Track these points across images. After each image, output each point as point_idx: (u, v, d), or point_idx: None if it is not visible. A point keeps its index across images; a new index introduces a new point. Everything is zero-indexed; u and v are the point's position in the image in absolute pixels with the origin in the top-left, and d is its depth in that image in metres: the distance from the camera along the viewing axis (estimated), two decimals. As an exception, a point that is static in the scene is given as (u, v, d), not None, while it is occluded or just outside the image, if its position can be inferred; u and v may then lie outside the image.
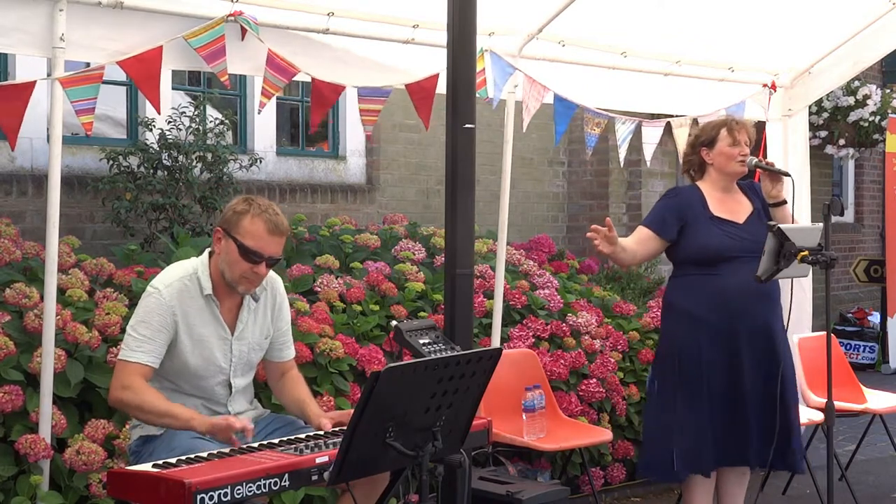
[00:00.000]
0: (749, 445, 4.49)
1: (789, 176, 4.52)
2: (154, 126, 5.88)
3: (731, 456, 4.53)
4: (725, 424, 4.49)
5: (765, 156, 6.39)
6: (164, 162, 5.89)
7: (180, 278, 3.56)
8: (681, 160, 5.94)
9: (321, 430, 3.53)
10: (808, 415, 5.67)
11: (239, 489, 2.86)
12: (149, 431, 3.52)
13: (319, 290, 5.26)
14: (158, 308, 3.48)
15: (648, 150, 5.93)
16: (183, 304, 3.52)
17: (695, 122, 5.89)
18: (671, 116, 6.02)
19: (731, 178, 4.61)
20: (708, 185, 4.64)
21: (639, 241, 4.59)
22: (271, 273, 3.78)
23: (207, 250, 3.65)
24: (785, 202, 4.55)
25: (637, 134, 5.86)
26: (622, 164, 6.11)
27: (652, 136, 5.88)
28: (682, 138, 5.89)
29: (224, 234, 3.54)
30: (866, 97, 10.61)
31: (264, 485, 2.92)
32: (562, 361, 5.71)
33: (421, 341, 3.65)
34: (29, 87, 3.86)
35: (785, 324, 4.61)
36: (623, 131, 5.71)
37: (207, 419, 3.37)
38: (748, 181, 4.78)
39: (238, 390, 3.69)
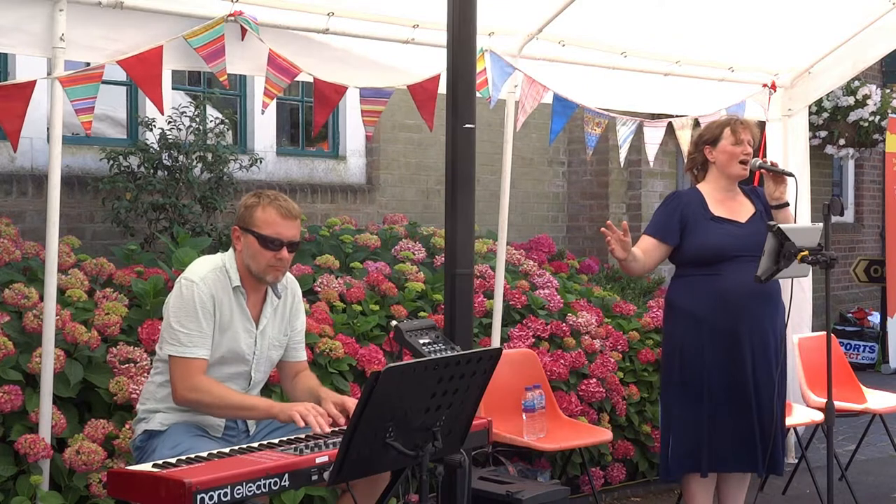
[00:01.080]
0: (747, 447, 4.49)
1: (793, 176, 4.51)
2: (154, 126, 5.88)
3: (729, 460, 4.53)
4: (725, 425, 4.49)
5: (765, 156, 6.40)
6: (165, 162, 5.89)
7: (212, 269, 3.62)
8: (685, 158, 5.97)
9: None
10: (808, 415, 5.68)
11: (239, 489, 2.86)
12: (153, 426, 3.55)
13: (319, 290, 5.26)
14: (200, 300, 3.53)
15: (651, 151, 5.93)
16: (218, 294, 3.58)
17: (696, 122, 5.90)
18: (672, 116, 6.02)
19: (732, 180, 4.61)
20: (710, 185, 4.64)
21: (645, 251, 4.59)
22: (290, 275, 3.86)
23: (231, 248, 3.70)
24: (787, 204, 4.55)
25: (638, 134, 5.87)
26: (622, 165, 6.11)
27: (654, 136, 5.88)
28: (684, 139, 5.89)
29: (241, 230, 3.62)
30: (866, 97, 10.61)
31: (264, 485, 2.92)
32: (562, 361, 5.71)
33: (421, 341, 3.65)
34: (29, 86, 3.86)
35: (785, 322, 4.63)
36: (624, 132, 5.71)
37: (287, 406, 3.45)
38: (750, 186, 4.79)
39: (255, 384, 3.74)
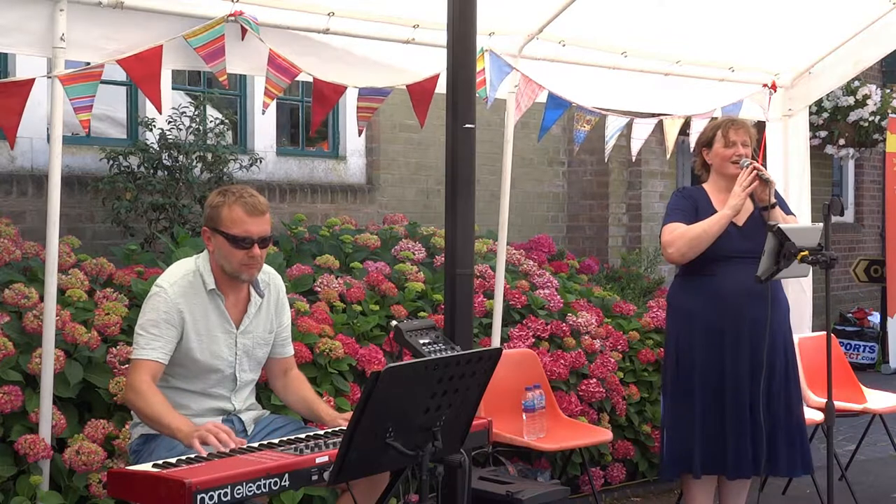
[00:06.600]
0: (740, 449, 4.49)
1: (770, 181, 4.51)
2: (154, 126, 5.87)
3: (723, 463, 4.53)
4: (719, 426, 4.49)
5: (765, 156, 6.40)
6: (164, 162, 5.88)
7: (184, 275, 3.60)
8: (668, 154, 6.03)
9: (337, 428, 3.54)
10: (809, 415, 5.66)
11: (239, 489, 2.86)
12: (149, 430, 3.54)
13: (319, 290, 5.26)
14: (165, 306, 3.52)
15: (636, 146, 5.94)
16: (188, 301, 3.56)
17: (687, 120, 5.92)
18: (670, 116, 6.02)
19: (729, 180, 4.61)
20: (712, 186, 4.68)
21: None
22: (271, 270, 3.83)
23: (206, 249, 3.68)
24: (774, 205, 4.54)
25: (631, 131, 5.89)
26: (606, 159, 6.13)
27: (641, 132, 5.89)
28: (672, 132, 5.91)
29: (211, 231, 3.60)
30: (866, 97, 10.61)
31: (264, 485, 2.92)
32: (562, 361, 5.71)
33: (421, 341, 3.65)
34: (28, 84, 3.85)
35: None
36: (612, 127, 5.71)
37: (191, 434, 3.24)
38: None
39: (243, 384, 3.72)
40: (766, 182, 4.50)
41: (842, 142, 10.78)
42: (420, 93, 4.85)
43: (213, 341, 3.60)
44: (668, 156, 6.12)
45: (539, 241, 7.24)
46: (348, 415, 3.68)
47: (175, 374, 3.60)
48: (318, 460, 3.05)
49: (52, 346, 3.93)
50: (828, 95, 9.94)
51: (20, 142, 5.70)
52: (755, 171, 4.46)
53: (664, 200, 7.47)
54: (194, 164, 5.94)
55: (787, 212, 4.64)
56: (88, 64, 4.05)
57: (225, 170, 6.06)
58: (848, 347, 10.54)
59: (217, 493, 2.80)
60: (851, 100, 10.57)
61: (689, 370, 4.55)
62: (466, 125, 3.95)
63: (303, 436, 3.39)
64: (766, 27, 5.82)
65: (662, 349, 5.14)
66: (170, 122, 5.89)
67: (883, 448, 6.77)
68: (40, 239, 4.27)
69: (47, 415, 3.91)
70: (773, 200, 4.53)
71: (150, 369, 3.48)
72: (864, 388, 6.18)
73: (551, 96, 5.34)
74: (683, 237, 4.51)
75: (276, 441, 3.31)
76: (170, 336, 3.52)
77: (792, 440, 4.60)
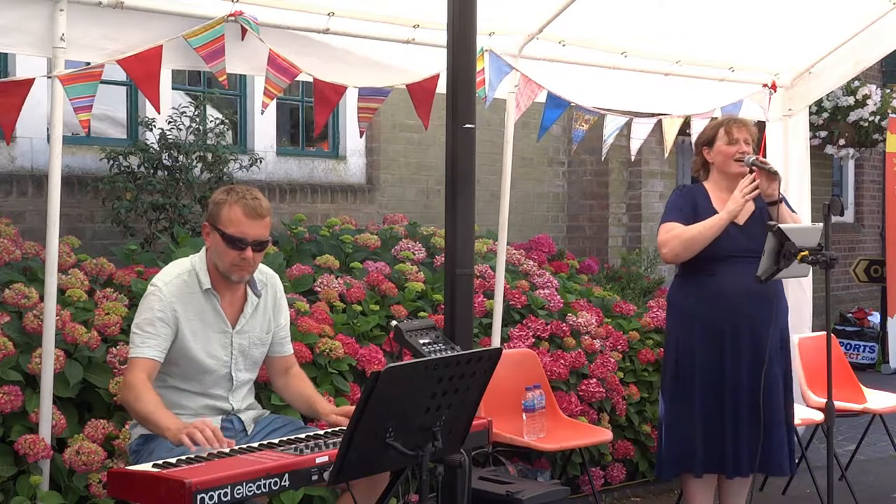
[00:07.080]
0: (738, 448, 4.49)
1: (777, 174, 4.51)
2: (154, 126, 5.87)
3: (722, 462, 4.53)
4: (718, 425, 4.49)
5: (764, 156, 6.40)
6: (165, 162, 5.89)
7: (179, 275, 3.61)
8: (666, 153, 6.04)
9: (335, 426, 3.55)
10: (808, 415, 5.68)
11: (239, 489, 2.86)
12: (149, 430, 3.53)
13: (319, 290, 5.26)
14: (160, 305, 3.52)
15: (635, 145, 5.94)
16: (183, 300, 3.57)
17: (687, 120, 5.92)
18: (670, 116, 6.02)
19: (731, 179, 4.61)
20: (712, 185, 4.67)
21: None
22: (269, 270, 3.83)
23: (204, 247, 3.69)
24: (780, 201, 4.54)
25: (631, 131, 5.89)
26: (603, 158, 6.14)
27: (640, 131, 5.89)
28: (670, 131, 5.91)
29: (210, 227, 3.61)
30: (866, 97, 10.61)
31: (264, 485, 2.92)
32: (562, 361, 5.71)
33: (421, 341, 3.65)
34: (27, 83, 3.85)
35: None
36: (610, 126, 5.72)
37: (179, 431, 3.23)
38: None
39: (240, 383, 3.72)
40: (773, 175, 4.49)
41: (842, 142, 10.78)
42: (420, 93, 4.85)
43: (208, 341, 3.61)
44: (666, 155, 6.13)
45: (539, 241, 7.24)
46: (344, 409, 3.69)
47: (172, 373, 3.61)
48: (318, 460, 3.05)
49: (52, 346, 3.93)
50: (828, 95, 9.94)
51: (20, 142, 5.71)
52: (756, 182, 4.44)
53: (664, 200, 7.45)
54: (194, 164, 5.94)
55: (791, 209, 4.64)
56: (88, 64, 4.05)
57: (225, 170, 6.07)
58: (848, 347, 10.54)
59: (217, 493, 2.80)
60: (851, 100, 10.57)
61: (689, 370, 4.55)
62: (466, 125, 3.96)
63: (303, 436, 3.39)
64: (766, 27, 5.82)
65: (662, 349, 5.14)
66: (170, 122, 5.89)
67: (883, 448, 6.77)
68: (40, 239, 4.27)
69: (47, 415, 3.91)
70: (780, 196, 4.53)
71: (146, 367, 3.49)
72: (864, 388, 6.18)
73: (550, 96, 5.35)
74: (678, 238, 4.51)
75: (276, 441, 3.31)
76: (165, 334, 3.52)
77: (783, 439, 4.61)
